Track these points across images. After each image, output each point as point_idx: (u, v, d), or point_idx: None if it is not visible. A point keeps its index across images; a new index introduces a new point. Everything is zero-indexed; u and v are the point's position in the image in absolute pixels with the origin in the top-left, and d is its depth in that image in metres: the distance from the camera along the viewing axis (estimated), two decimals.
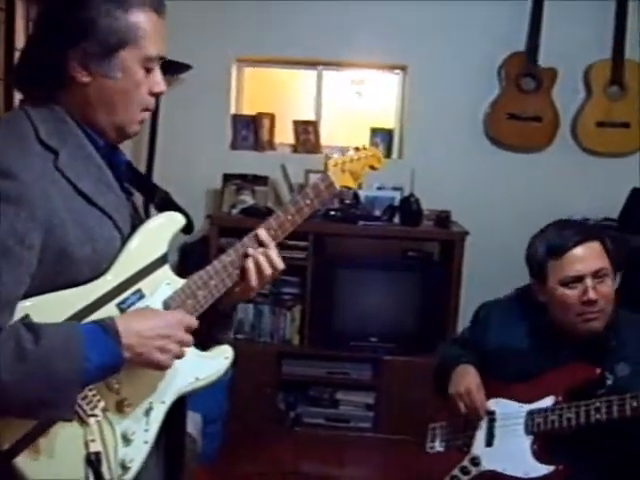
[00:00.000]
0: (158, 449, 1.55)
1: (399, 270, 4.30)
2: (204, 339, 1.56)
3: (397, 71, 4.69)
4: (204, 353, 1.55)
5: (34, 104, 1.44)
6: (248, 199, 4.25)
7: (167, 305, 1.49)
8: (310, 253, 4.14)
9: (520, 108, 4.39)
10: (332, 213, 4.17)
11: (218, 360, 1.57)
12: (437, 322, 4.08)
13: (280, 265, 1.61)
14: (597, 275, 2.01)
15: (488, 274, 4.15)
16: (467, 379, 2.17)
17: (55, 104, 1.43)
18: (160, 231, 1.52)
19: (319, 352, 4.22)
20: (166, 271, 1.51)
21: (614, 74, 4.35)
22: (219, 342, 1.62)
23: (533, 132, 4.42)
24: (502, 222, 4.44)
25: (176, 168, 4.50)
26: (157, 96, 1.51)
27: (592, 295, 1.99)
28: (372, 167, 1.83)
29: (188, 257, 4.10)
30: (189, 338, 1.46)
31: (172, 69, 4.25)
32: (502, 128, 4.45)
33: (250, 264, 1.58)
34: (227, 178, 4.39)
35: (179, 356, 1.43)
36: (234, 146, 4.64)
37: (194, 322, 1.47)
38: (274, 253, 1.60)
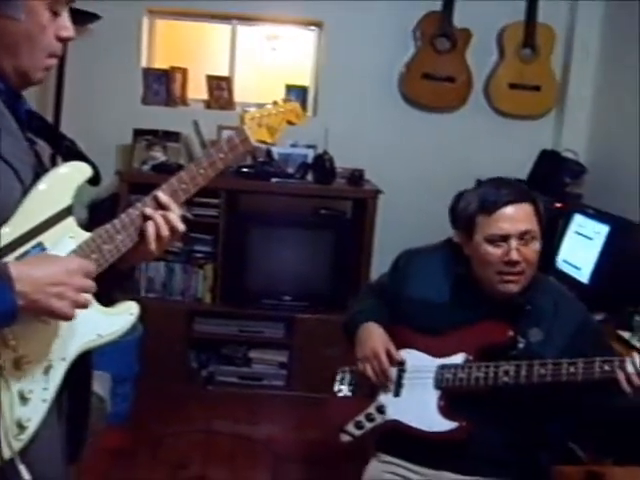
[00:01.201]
0: (60, 408, 1.50)
1: (312, 228, 4.29)
2: (103, 301, 1.50)
3: (312, 27, 4.63)
4: (108, 309, 1.49)
5: None
6: (159, 155, 4.15)
7: None
8: (222, 210, 4.09)
9: (434, 68, 4.41)
10: (245, 170, 4.11)
11: (123, 317, 1.52)
12: (349, 280, 4.10)
13: (180, 228, 1.55)
14: (523, 237, 1.98)
15: (400, 232, 4.17)
16: (373, 341, 2.14)
17: None
18: (64, 182, 1.44)
19: (231, 310, 4.19)
20: (70, 224, 1.44)
21: (526, 37, 4.39)
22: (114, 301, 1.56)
23: (447, 92, 4.45)
24: (415, 181, 4.47)
25: (84, 122, 4.34)
26: (64, 42, 1.43)
27: (514, 256, 1.97)
28: (290, 122, 1.78)
29: (97, 214, 3.99)
30: (90, 284, 1.37)
31: (80, 19, 4.07)
32: (416, 88, 4.45)
33: (149, 227, 1.52)
34: (138, 133, 4.26)
35: (79, 304, 1.35)
36: (145, 101, 4.51)
37: (92, 268, 1.40)
38: (174, 215, 1.54)
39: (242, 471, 3.48)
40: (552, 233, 3.70)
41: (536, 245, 2.03)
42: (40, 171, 1.45)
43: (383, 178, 4.27)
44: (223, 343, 4.28)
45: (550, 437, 2.20)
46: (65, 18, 1.41)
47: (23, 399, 1.36)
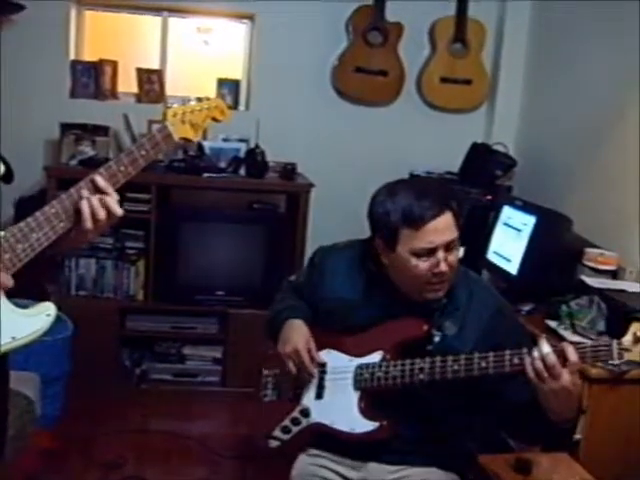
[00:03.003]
0: None
1: (245, 223, 4.25)
2: (34, 291, 1.47)
3: (245, 21, 4.59)
4: (23, 310, 1.45)
5: None
6: (88, 150, 4.06)
7: None
8: (153, 206, 4.01)
9: (367, 62, 4.42)
10: (176, 164, 4.06)
11: (39, 318, 1.48)
12: (283, 274, 4.07)
13: (117, 211, 1.54)
14: (448, 247, 1.96)
15: (333, 226, 4.17)
16: (295, 337, 2.12)
17: None
18: None
19: (164, 307, 4.14)
20: None
21: (457, 31, 4.44)
22: (44, 291, 1.53)
23: (379, 86, 4.46)
24: (348, 175, 4.48)
25: (10, 116, 4.20)
26: None
27: (444, 267, 1.94)
28: (215, 119, 1.77)
29: (24, 212, 3.88)
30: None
31: (4, 9, 3.98)
32: (349, 81, 4.46)
33: (85, 207, 1.51)
34: (65, 128, 4.15)
35: None
36: (73, 94, 4.40)
37: (9, 282, 1.36)
38: (111, 199, 1.53)
39: (178, 469, 3.44)
40: (483, 225, 3.76)
41: (458, 251, 2.02)
42: None
43: (316, 172, 4.27)
44: (156, 340, 4.22)
45: (476, 427, 2.22)
46: None
47: None
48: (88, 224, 1.51)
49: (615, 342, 1.72)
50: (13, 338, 1.44)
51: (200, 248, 4.13)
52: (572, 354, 1.74)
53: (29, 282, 1.47)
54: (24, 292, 1.47)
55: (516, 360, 1.81)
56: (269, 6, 4.39)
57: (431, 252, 1.94)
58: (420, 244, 1.94)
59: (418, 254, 1.94)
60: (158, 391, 4.14)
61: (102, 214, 1.52)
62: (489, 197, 4.05)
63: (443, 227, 1.94)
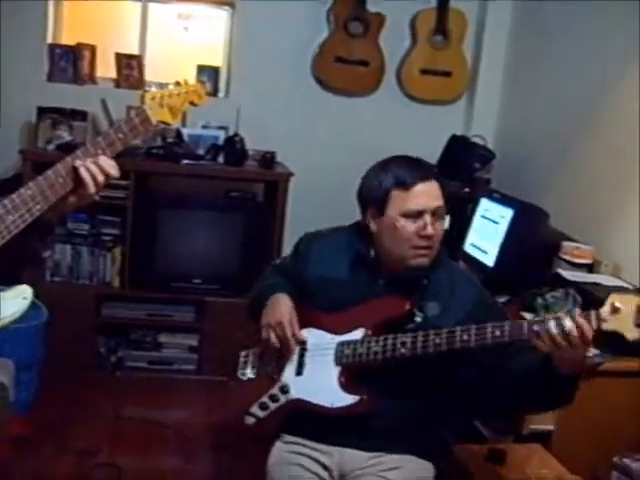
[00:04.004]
0: None
1: (222, 211, 4.24)
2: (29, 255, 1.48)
3: (225, 7, 4.56)
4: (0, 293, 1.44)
5: None
6: (65, 135, 4.02)
7: None
8: (131, 192, 3.99)
9: (347, 52, 4.41)
10: (154, 151, 4.04)
11: (15, 301, 1.48)
12: (260, 263, 4.04)
13: (113, 171, 1.58)
14: (435, 213, 2.06)
15: (311, 215, 4.16)
16: (279, 309, 2.17)
17: None
18: None
19: (140, 294, 4.12)
20: None
21: (438, 23, 4.44)
22: (34, 255, 1.54)
23: (359, 76, 4.46)
24: (326, 164, 4.48)
25: None
26: None
27: (430, 230, 2.04)
28: (192, 103, 1.78)
29: (0, 195, 3.85)
30: None
31: None
32: (329, 71, 4.45)
33: (84, 174, 1.54)
34: (42, 112, 4.11)
35: None
36: (51, 78, 4.35)
37: None
38: (104, 160, 1.57)
39: (153, 457, 3.43)
40: (460, 217, 3.77)
41: (444, 222, 2.11)
42: None
43: (295, 161, 4.25)
44: (132, 328, 4.20)
45: (453, 415, 2.25)
46: None
47: None
48: (91, 188, 1.55)
49: (593, 312, 1.75)
50: None
51: (177, 235, 4.11)
52: (586, 326, 1.75)
53: (4, 266, 1.47)
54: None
55: (497, 332, 1.84)
56: None
57: (419, 215, 2.04)
58: (409, 205, 2.04)
59: (407, 215, 2.04)
60: (133, 379, 4.12)
61: (101, 177, 1.55)
62: (467, 189, 4.07)
63: (431, 192, 2.06)
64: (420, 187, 2.04)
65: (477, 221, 3.65)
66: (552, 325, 1.76)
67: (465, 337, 1.88)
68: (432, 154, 4.33)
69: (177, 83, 1.74)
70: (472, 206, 3.74)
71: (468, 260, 3.62)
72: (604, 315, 1.74)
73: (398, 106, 4.59)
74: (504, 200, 3.46)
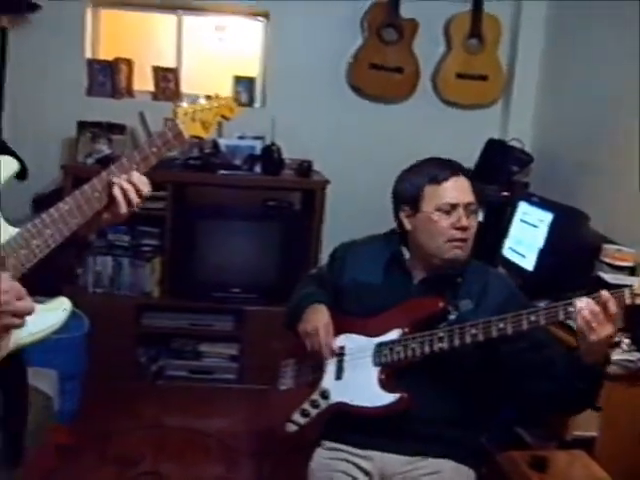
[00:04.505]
0: None
1: (260, 220, 4.26)
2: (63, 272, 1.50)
3: (260, 18, 4.59)
4: (39, 305, 1.46)
5: None
6: (104, 148, 4.08)
7: None
8: (169, 203, 4.04)
9: (382, 59, 4.41)
10: (192, 162, 4.08)
11: (55, 313, 1.50)
12: (298, 271, 4.07)
13: (146, 189, 1.59)
14: (468, 207, 2.12)
15: (348, 223, 4.17)
16: (316, 318, 2.22)
17: None
18: None
19: (180, 304, 4.16)
20: None
21: (473, 27, 4.42)
22: (69, 270, 1.56)
23: (394, 83, 4.46)
24: (363, 171, 4.48)
25: (28, 115, 4.28)
26: None
27: (464, 222, 2.10)
28: (224, 116, 1.80)
29: (41, 209, 3.91)
30: (24, 305, 1.37)
31: (19, 8, 4.02)
32: (364, 78, 4.46)
33: (117, 193, 1.56)
34: (82, 126, 4.18)
35: (16, 326, 1.37)
36: (90, 93, 4.43)
37: (22, 290, 1.37)
38: (137, 177, 1.58)
39: (194, 465, 3.45)
40: (499, 221, 3.74)
41: (476, 218, 2.16)
42: None
43: (331, 169, 4.27)
44: (172, 337, 4.24)
45: (493, 420, 2.24)
46: None
47: None
48: (123, 208, 1.57)
49: (627, 289, 1.79)
50: (30, 333, 1.46)
51: (216, 245, 4.14)
52: (612, 305, 1.80)
53: (44, 279, 1.49)
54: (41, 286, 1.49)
55: (533, 318, 1.88)
56: (284, 4, 4.40)
57: (453, 208, 2.11)
58: (443, 199, 2.11)
59: (441, 209, 2.11)
60: (174, 388, 4.16)
61: (134, 195, 1.57)
62: (505, 193, 4.03)
63: (463, 187, 2.13)
64: (452, 181, 2.12)
65: (516, 225, 3.61)
66: (583, 303, 1.81)
67: (501, 325, 1.91)
68: (469, 158, 4.31)
69: (208, 97, 1.76)
70: (510, 210, 3.71)
71: (507, 265, 3.59)
72: (638, 290, 1.77)
73: (434, 111, 4.57)
74: (543, 203, 3.43)
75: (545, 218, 3.31)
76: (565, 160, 4.06)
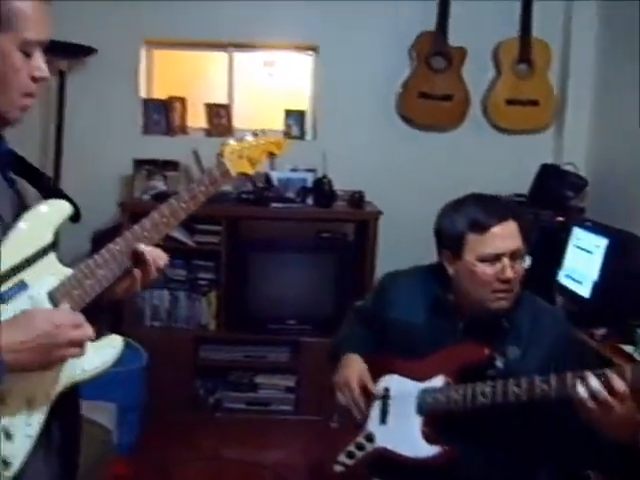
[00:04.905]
0: (50, 442, 1.51)
1: (314, 251, 4.29)
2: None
3: (309, 52, 4.66)
4: (92, 343, 1.50)
5: None
6: (160, 185, 4.18)
7: (52, 296, 1.44)
8: (224, 237, 4.10)
9: (431, 87, 4.42)
10: (245, 196, 4.14)
11: (106, 350, 1.53)
12: (353, 302, 4.08)
13: (161, 263, 1.60)
14: (514, 254, 2.00)
15: (402, 253, 4.15)
16: (349, 372, 2.18)
17: None
18: (45, 220, 1.48)
19: (236, 336, 4.20)
20: (52, 261, 1.47)
21: (522, 52, 4.40)
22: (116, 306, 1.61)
23: (444, 111, 4.46)
24: (415, 200, 4.46)
25: (86, 154, 4.42)
26: (39, 82, 1.46)
27: (509, 273, 1.98)
28: (271, 153, 1.81)
29: (100, 246, 4.00)
30: (82, 333, 1.40)
31: (77, 52, 4.15)
32: (414, 107, 4.47)
33: (136, 272, 1.57)
34: (138, 164, 4.30)
35: (76, 355, 1.41)
36: (145, 131, 4.55)
37: (80, 318, 1.42)
38: (157, 252, 1.59)
39: None
40: (554, 247, 3.69)
41: (524, 262, 2.04)
42: (21, 209, 1.47)
43: (384, 199, 4.28)
44: (229, 369, 4.28)
45: (545, 457, 2.18)
46: (38, 59, 1.44)
47: (7, 435, 1.38)
48: (152, 273, 1.59)
49: (629, 364, 1.70)
50: (83, 370, 1.50)
51: (270, 277, 4.18)
52: (618, 383, 1.68)
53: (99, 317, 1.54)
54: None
55: (579, 382, 1.76)
56: (332, 37, 4.47)
57: (496, 258, 2.00)
58: (486, 249, 2.00)
59: (484, 259, 2.00)
60: (232, 420, 4.19)
61: (152, 269, 1.58)
62: (560, 219, 3.98)
63: (508, 234, 2.00)
64: (497, 229, 1.99)
65: (571, 251, 3.56)
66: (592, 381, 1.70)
67: (545, 387, 1.82)
68: (522, 184, 4.29)
69: (255, 134, 1.78)
70: (565, 236, 3.66)
71: (563, 291, 3.54)
72: None
73: (485, 138, 4.55)
74: (597, 229, 3.38)
75: (600, 243, 3.25)
76: (621, 183, 3.99)
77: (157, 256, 1.59)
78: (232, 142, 1.74)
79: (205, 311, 4.24)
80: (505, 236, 2.00)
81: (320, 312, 4.22)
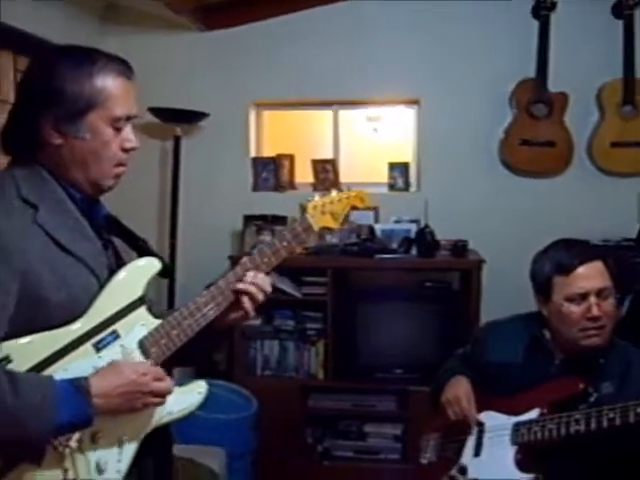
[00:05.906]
0: (143, 476, 1.64)
1: (418, 301, 4.33)
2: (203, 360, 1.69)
3: (412, 106, 4.77)
4: (178, 388, 1.64)
5: (19, 165, 1.58)
6: (268, 239, 4.33)
7: (142, 344, 1.59)
8: (330, 288, 4.21)
9: (533, 134, 4.42)
10: (349, 248, 4.25)
11: (192, 394, 1.66)
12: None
13: (268, 288, 1.73)
14: (600, 293, 2.10)
15: (506, 301, 4.13)
16: (457, 388, 2.30)
17: (37, 164, 1.57)
18: (140, 273, 1.64)
19: (344, 385, 4.27)
20: (142, 313, 1.62)
21: (626, 93, 4.35)
22: (211, 359, 1.75)
23: (547, 157, 4.44)
24: (520, 249, 4.37)
25: (200, 212, 4.68)
26: (129, 152, 1.63)
27: (596, 312, 2.09)
28: (354, 207, 1.91)
29: None
30: (163, 386, 1.56)
31: (190, 118, 4.43)
32: (516, 155, 4.48)
33: (244, 298, 1.71)
34: (248, 219, 4.51)
35: (157, 404, 1.56)
36: (255, 188, 4.77)
37: (161, 372, 1.57)
38: (260, 279, 1.72)
39: None
40: None
41: (612, 300, 2.13)
42: (116, 267, 1.64)
43: (487, 247, 4.28)
44: (337, 418, 4.35)
45: None
46: (127, 131, 1.61)
47: (99, 470, 1.52)
48: (250, 311, 1.74)
49: None
50: (169, 413, 1.63)
51: (377, 327, 4.25)
52: None
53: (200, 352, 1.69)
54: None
55: None
56: (433, 89, 4.57)
57: (583, 297, 2.11)
58: (571, 290, 2.12)
59: (570, 299, 2.12)
60: (341, 468, 4.24)
61: (260, 295, 1.72)
62: None
63: (593, 273, 2.12)
64: (581, 270, 2.10)
65: None
66: None
67: (639, 410, 1.85)
68: (630, 228, 4.20)
69: (338, 191, 1.90)
70: None
71: None
72: None
73: (591, 183, 4.49)
74: None
75: None
76: None
77: (261, 281, 1.72)
78: (316, 198, 1.85)
79: (313, 360, 4.34)
80: (590, 276, 2.11)
81: (427, 361, 4.21)
